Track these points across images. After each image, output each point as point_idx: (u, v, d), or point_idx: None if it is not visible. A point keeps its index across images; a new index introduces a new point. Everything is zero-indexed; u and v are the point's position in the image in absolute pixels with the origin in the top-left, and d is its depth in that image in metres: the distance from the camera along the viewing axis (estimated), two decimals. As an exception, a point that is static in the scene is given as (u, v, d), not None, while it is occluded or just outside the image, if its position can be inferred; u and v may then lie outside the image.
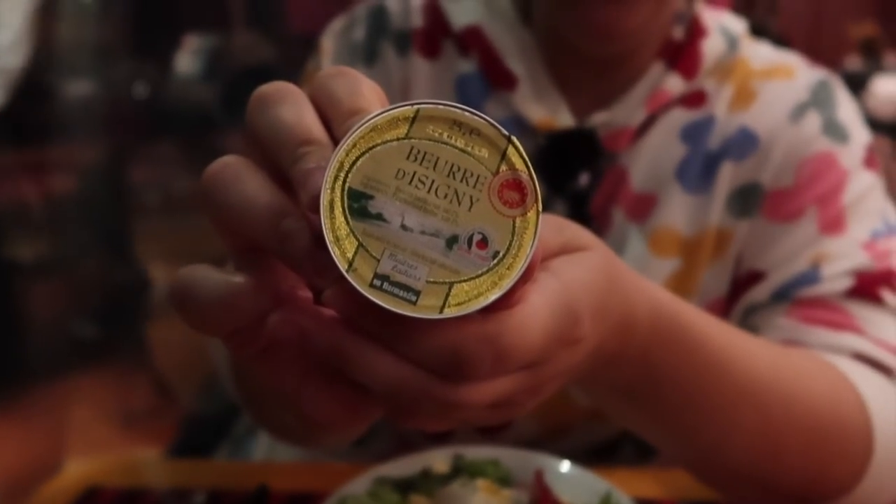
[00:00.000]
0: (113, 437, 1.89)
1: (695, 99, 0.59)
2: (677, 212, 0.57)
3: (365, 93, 0.27)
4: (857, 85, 3.89)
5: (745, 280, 0.56)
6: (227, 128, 2.70)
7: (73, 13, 2.58)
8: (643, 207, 0.58)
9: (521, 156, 0.26)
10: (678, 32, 0.59)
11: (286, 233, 0.24)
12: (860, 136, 0.58)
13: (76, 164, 2.56)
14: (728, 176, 0.57)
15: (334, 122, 0.26)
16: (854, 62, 4.51)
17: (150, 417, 1.98)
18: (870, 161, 0.57)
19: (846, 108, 0.59)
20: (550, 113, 0.58)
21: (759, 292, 0.55)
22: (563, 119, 0.58)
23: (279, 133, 0.26)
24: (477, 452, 0.51)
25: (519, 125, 0.59)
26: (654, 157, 0.58)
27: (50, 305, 2.30)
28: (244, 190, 0.26)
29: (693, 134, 0.58)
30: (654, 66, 0.58)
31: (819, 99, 0.58)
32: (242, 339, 0.27)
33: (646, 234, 0.57)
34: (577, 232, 0.32)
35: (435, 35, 0.61)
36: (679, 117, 0.58)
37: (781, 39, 3.46)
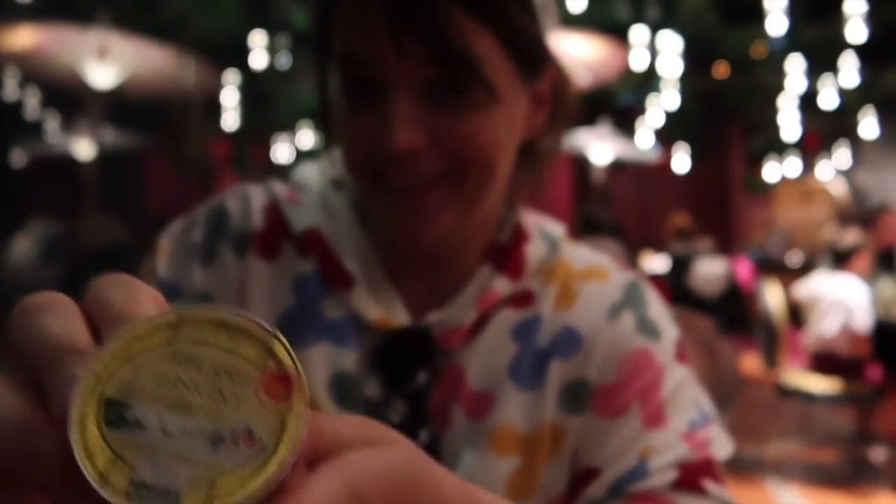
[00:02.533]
0: None
1: (523, 299, 0.62)
2: (514, 409, 0.58)
3: (141, 301, 0.27)
4: (682, 266, 4.38)
5: (582, 476, 0.57)
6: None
7: None
8: (481, 406, 0.58)
9: (287, 350, 0.27)
10: (504, 237, 0.64)
11: (32, 451, 0.23)
12: (670, 332, 0.62)
13: None
14: (557, 373, 0.59)
15: (105, 331, 0.26)
16: (677, 246, 5.10)
17: None
18: (681, 355, 0.62)
19: (655, 307, 0.64)
20: (386, 311, 0.59)
21: (596, 489, 0.55)
22: (399, 317, 0.59)
23: (40, 343, 0.25)
24: None
25: (357, 323, 0.59)
26: (488, 356, 0.59)
27: None
28: None
29: (523, 333, 0.61)
30: (482, 269, 0.61)
31: (631, 299, 0.63)
32: None
33: (485, 433, 0.57)
34: (387, 432, 0.31)
35: (275, 237, 0.62)
36: (510, 317, 0.61)
37: (617, 228, 3.86)
